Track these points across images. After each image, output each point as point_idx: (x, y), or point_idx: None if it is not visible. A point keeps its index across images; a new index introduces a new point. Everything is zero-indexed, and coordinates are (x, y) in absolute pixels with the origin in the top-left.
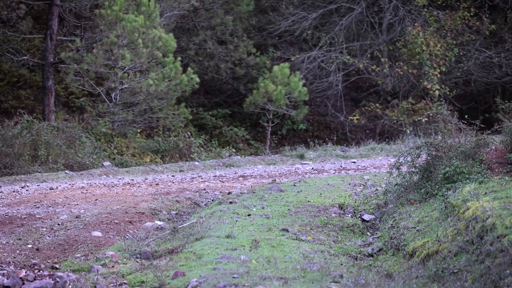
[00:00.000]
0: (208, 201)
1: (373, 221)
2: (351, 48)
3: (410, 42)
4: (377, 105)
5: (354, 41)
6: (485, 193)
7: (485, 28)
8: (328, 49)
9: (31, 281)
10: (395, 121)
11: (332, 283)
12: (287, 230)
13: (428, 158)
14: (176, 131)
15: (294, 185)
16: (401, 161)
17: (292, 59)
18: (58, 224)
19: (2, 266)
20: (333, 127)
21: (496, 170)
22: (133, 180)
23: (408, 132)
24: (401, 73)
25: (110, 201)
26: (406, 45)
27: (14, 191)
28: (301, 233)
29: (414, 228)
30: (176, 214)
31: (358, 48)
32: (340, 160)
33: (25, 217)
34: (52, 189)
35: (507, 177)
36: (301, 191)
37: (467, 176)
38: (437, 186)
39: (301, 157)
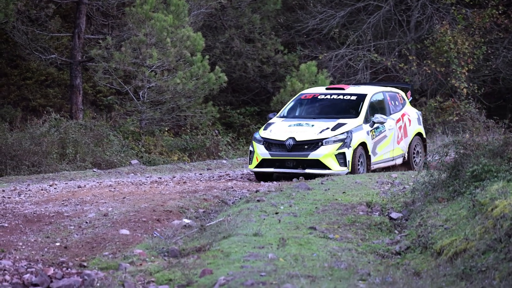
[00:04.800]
0: (236, 199)
1: (401, 219)
2: (379, 46)
3: (438, 40)
4: None
5: (381, 39)
6: None
7: None
8: (355, 47)
9: (59, 279)
10: (423, 120)
11: (360, 281)
12: (315, 228)
13: (456, 156)
14: (204, 130)
15: (322, 183)
16: (429, 159)
17: (320, 57)
18: (86, 222)
19: (30, 264)
20: None
21: None
22: (160, 178)
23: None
24: (429, 71)
25: (138, 199)
26: (434, 43)
27: (42, 189)
28: (329, 231)
29: (442, 226)
30: (204, 212)
31: (385, 46)
32: None
33: (53, 215)
34: (80, 187)
35: None
36: (328, 189)
37: (495, 174)
38: (465, 184)
39: None
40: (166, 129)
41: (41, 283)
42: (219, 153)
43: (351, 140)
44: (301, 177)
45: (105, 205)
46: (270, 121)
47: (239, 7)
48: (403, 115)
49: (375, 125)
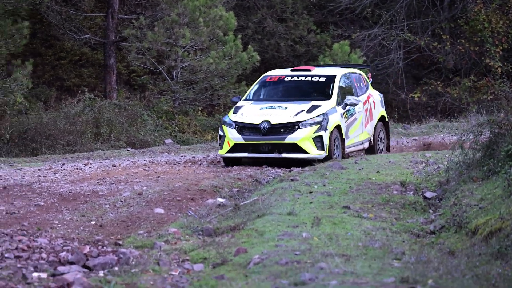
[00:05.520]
0: (270, 178)
1: (435, 199)
2: (412, 25)
3: (472, 19)
4: (439, 82)
5: (415, 18)
6: None
7: None
8: (389, 26)
9: (95, 257)
10: (457, 99)
11: (394, 260)
12: (349, 208)
13: (491, 135)
14: None
15: (356, 163)
16: (464, 139)
17: (353, 36)
18: (121, 201)
19: (66, 242)
20: (394, 105)
21: None
22: (194, 157)
23: (473, 110)
24: (463, 50)
25: (172, 178)
26: (468, 22)
27: (77, 168)
28: (363, 211)
29: (477, 205)
30: (238, 191)
31: (419, 25)
32: (402, 138)
33: (88, 194)
34: (115, 166)
35: None
36: (362, 168)
37: None
38: (500, 164)
39: None
40: (200, 109)
41: (77, 261)
42: None
43: (327, 122)
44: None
45: (140, 184)
46: (238, 104)
47: None
48: (368, 97)
49: (347, 107)
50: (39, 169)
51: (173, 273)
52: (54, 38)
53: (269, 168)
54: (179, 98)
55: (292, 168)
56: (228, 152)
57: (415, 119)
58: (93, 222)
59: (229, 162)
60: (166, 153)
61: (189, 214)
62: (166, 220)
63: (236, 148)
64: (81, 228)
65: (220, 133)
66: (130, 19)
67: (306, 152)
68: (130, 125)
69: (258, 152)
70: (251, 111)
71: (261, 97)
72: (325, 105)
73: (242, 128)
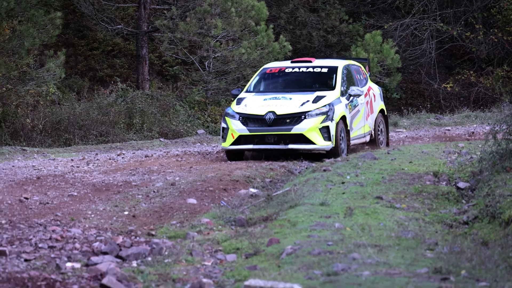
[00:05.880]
0: (302, 168)
1: (468, 189)
2: (445, 15)
3: (505, 8)
4: (471, 72)
5: (447, 8)
6: None
7: None
8: (421, 16)
9: (128, 247)
10: (490, 89)
11: (427, 251)
12: (381, 198)
13: None
14: None
15: (388, 153)
16: (497, 129)
17: (385, 26)
18: (154, 192)
19: (99, 233)
20: (426, 95)
21: None
22: None
23: (506, 100)
24: (496, 40)
25: (205, 168)
26: (501, 12)
27: (110, 159)
28: (395, 201)
29: (510, 196)
30: (270, 181)
31: (451, 15)
32: (434, 128)
33: (121, 184)
34: (147, 156)
35: None
36: (395, 158)
37: None
38: None
39: (395, 125)
40: (232, 99)
41: (110, 251)
42: None
43: (333, 113)
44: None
45: (172, 175)
46: (240, 95)
47: None
48: (368, 89)
49: (351, 98)
50: (72, 160)
51: (206, 263)
52: (87, 29)
53: (302, 159)
54: (211, 89)
55: (324, 159)
56: (232, 144)
57: (447, 109)
58: (126, 213)
59: (232, 155)
60: (199, 144)
61: (222, 204)
62: (198, 211)
63: (240, 140)
64: (114, 218)
65: (223, 125)
66: (162, 9)
67: (313, 143)
68: (163, 115)
69: (264, 144)
70: (255, 102)
71: (263, 89)
72: (330, 96)
73: (246, 119)
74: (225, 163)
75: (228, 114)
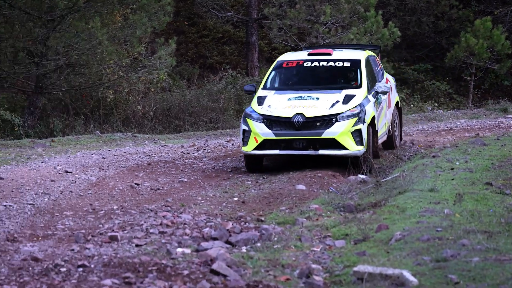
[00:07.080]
0: (411, 155)
1: None
2: None
3: None
4: None
5: None
6: None
7: None
8: None
9: (238, 233)
10: None
11: None
12: (491, 184)
13: None
14: None
15: (498, 139)
16: None
17: (495, 12)
18: (263, 178)
19: (209, 218)
20: None
21: None
22: None
23: None
24: None
25: None
26: None
27: (219, 145)
28: (505, 187)
29: None
30: (379, 167)
31: None
32: None
33: (230, 171)
34: None
35: None
36: (505, 145)
37: None
38: None
39: (505, 111)
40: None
41: (220, 237)
42: None
43: (365, 114)
44: (475, 133)
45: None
46: (260, 94)
47: None
48: (386, 81)
49: (377, 96)
50: (182, 146)
51: (315, 249)
52: (197, 16)
53: (410, 145)
54: None
55: (433, 145)
56: (256, 149)
57: None
58: (235, 199)
59: (252, 162)
60: None
61: (331, 190)
62: (307, 197)
63: (265, 144)
64: (224, 204)
65: (244, 127)
66: None
67: (346, 148)
68: None
69: (291, 149)
70: (279, 103)
71: (283, 86)
72: (359, 95)
73: (271, 122)
74: None
75: (250, 116)
